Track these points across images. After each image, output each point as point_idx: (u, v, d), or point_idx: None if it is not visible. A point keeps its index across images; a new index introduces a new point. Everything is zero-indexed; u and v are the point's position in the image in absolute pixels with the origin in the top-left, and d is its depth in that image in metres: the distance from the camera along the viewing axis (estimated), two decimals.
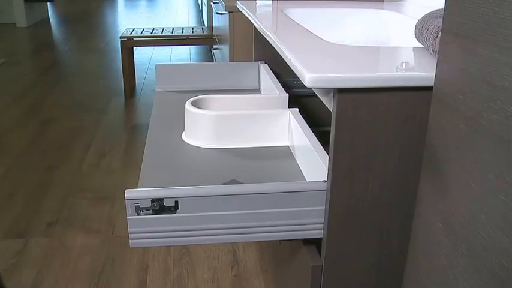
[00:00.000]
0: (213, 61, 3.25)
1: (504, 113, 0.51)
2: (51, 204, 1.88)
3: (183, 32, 3.31)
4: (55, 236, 1.68)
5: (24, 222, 1.75)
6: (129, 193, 0.72)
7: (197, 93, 1.28)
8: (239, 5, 1.41)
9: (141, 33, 3.37)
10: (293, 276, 0.94)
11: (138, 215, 0.73)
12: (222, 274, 1.52)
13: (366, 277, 0.79)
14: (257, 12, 1.25)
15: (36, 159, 2.26)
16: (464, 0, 0.57)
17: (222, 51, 2.57)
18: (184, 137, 1.02)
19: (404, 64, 0.69)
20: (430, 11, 0.81)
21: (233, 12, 1.98)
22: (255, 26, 1.24)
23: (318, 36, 0.91)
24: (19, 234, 1.67)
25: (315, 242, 0.81)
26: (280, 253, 1.08)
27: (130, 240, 0.74)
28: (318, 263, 0.78)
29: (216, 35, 2.95)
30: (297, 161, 0.93)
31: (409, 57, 0.79)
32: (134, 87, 3.42)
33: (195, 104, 1.00)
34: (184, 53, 4.49)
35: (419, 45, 0.80)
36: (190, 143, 1.00)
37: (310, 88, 0.71)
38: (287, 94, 1.09)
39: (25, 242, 1.63)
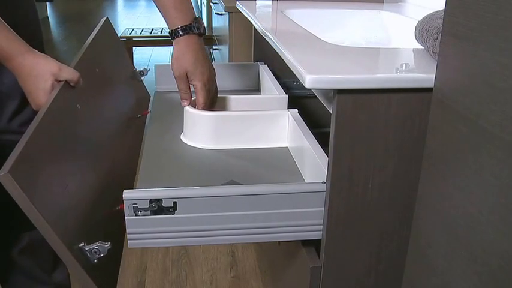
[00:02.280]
0: (212, 62, 3.25)
1: (504, 115, 0.50)
2: None
3: None
4: None
5: None
6: (127, 194, 0.72)
7: None
8: (239, 6, 1.41)
9: (141, 33, 3.38)
10: (292, 277, 0.94)
11: (136, 215, 0.73)
12: (220, 275, 1.52)
13: (365, 279, 0.79)
14: (257, 12, 1.24)
15: None
16: (464, 1, 0.57)
17: (221, 52, 2.57)
18: (183, 137, 1.01)
19: (404, 65, 0.69)
20: (430, 12, 0.81)
21: (233, 12, 1.98)
22: (254, 27, 1.24)
23: (317, 37, 0.91)
24: None
25: (314, 243, 0.81)
26: (279, 254, 1.08)
27: (128, 241, 0.74)
28: (317, 265, 0.78)
29: (216, 36, 2.95)
30: (296, 162, 0.93)
31: (409, 58, 0.78)
32: None
33: (194, 104, 1.00)
34: None
35: (419, 46, 0.79)
36: (189, 143, 0.99)
37: (310, 89, 0.71)
38: (286, 95, 1.09)
39: None
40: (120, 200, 0.73)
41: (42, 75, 0.78)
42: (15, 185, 0.58)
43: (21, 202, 0.59)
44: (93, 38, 1.02)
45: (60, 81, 0.80)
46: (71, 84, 0.82)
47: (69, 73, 0.81)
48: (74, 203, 0.71)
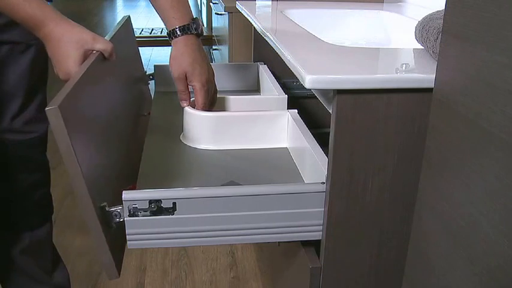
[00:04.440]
0: (212, 62, 3.24)
1: (504, 115, 0.50)
2: None
3: None
4: (53, 237, 1.67)
5: None
6: (127, 194, 0.71)
7: None
8: (239, 6, 1.41)
9: (140, 33, 3.37)
10: (291, 278, 0.93)
11: (136, 216, 0.72)
12: (220, 276, 1.52)
13: (364, 279, 0.79)
14: (256, 12, 1.24)
15: None
16: (464, 1, 0.56)
17: (221, 52, 2.57)
18: (182, 138, 1.01)
19: (404, 65, 0.69)
20: (430, 12, 0.81)
21: (232, 12, 1.98)
22: (254, 27, 1.24)
23: (317, 37, 0.91)
24: None
25: (314, 244, 0.81)
26: (278, 255, 1.08)
27: (127, 242, 0.74)
28: (317, 265, 0.77)
29: (215, 36, 2.95)
30: (296, 163, 0.93)
31: (409, 58, 0.78)
32: None
33: (193, 105, 0.99)
34: None
35: (419, 46, 0.79)
36: (188, 144, 0.99)
37: (310, 89, 0.71)
38: (286, 95, 1.09)
39: None
40: (131, 180, 0.72)
41: (74, 42, 0.74)
42: (60, 121, 0.57)
43: (61, 140, 0.58)
44: (118, 29, 1.02)
45: (92, 51, 0.77)
46: (105, 55, 0.79)
47: (104, 43, 0.78)
48: (103, 164, 0.70)
